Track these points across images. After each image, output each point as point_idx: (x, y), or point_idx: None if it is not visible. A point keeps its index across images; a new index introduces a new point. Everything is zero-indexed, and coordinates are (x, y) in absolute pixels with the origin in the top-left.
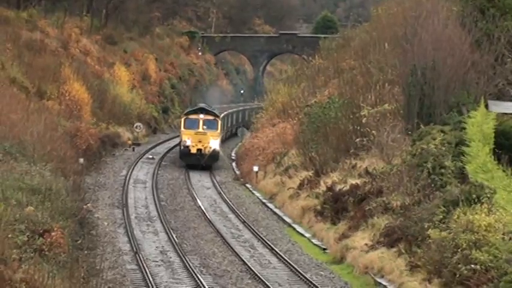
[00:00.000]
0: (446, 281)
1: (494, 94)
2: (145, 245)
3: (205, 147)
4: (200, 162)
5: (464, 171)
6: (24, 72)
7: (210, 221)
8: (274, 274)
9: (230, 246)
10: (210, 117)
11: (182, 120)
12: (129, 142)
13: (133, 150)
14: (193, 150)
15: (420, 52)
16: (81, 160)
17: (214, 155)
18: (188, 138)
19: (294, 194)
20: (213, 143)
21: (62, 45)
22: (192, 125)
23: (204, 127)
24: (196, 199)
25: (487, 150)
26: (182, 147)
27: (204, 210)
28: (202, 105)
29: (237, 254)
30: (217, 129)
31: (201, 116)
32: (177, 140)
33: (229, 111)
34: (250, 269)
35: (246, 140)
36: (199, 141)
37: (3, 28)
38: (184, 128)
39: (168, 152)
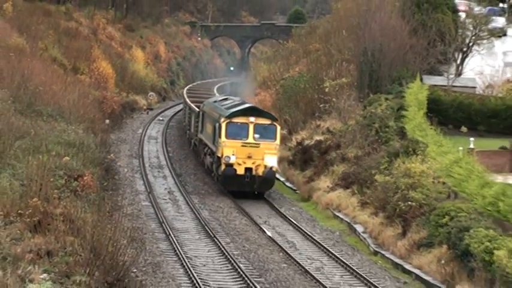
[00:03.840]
0: (388, 215)
1: (427, 70)
2: (156, 186)
3: (257, 166)
4: (250, 188)
5: (403, 130)
6: (63, 53)
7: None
8: (256, 209)
9: (223, 189)
10: (265, 122)
11: (222, 125)
12: (144, 107)
13: (148, 113)
14: (240, 171)
15: (370, 38)
16: (107, 121)
17: (271, 178)
18: (232, 153)
19: None
20: (270, 159)
21: (92, 32)
22: (237, 132)
23: (256, 136)
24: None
25: (421, 114)
26: (223, 166)
27: (198, 154)
28: (237, 100)
29: (227, 195)
30: (275, 138)
31: (252, 119)
32: (180, 106)
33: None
34: (238, 205)
35: None
36: (249, 157)
37: (47, 19)
38: (226, 136)
39: (174, 115)
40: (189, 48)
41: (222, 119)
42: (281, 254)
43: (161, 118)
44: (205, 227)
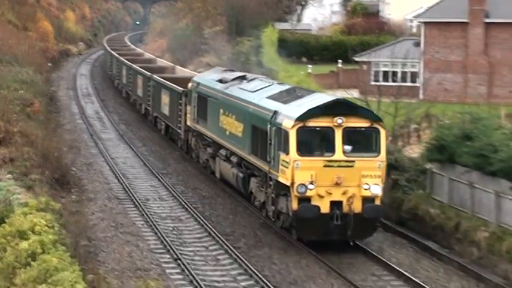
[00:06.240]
0: None
1: (277, 19)
2: (87, 109)
3: (351, 198)
4: (340, 235)
5: (261, 61)
6: (15, 17)
7: (123, 96)
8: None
9: (136, 108)
10: (361, 123)
11: (290, 132)
12: (76, 53)
13: (78, 57)
14: (325, 208)
15: None
16: (49, 64)
17: (375, 218)
18: (310, 180)
19: None
20: (372, 186)
21: (36, 1)
22: (316, 143)
23: (348, 148)
24: (113, 83)
25: (273, 50)
26: (294, 202)
27: (119, 88)
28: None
29: (138, 112)
30: (378, 151)
31: (339, 120)
32: (102, 51)
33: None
34: (145, 121)
35: (141, 49)
36: (337, 184)
37: None
38: (299, 151)
39: (98, 58)
40: (107, 10)
41: (289, 122)
42: (177, 153)
43: (88, 60)
44: (123, 136)
